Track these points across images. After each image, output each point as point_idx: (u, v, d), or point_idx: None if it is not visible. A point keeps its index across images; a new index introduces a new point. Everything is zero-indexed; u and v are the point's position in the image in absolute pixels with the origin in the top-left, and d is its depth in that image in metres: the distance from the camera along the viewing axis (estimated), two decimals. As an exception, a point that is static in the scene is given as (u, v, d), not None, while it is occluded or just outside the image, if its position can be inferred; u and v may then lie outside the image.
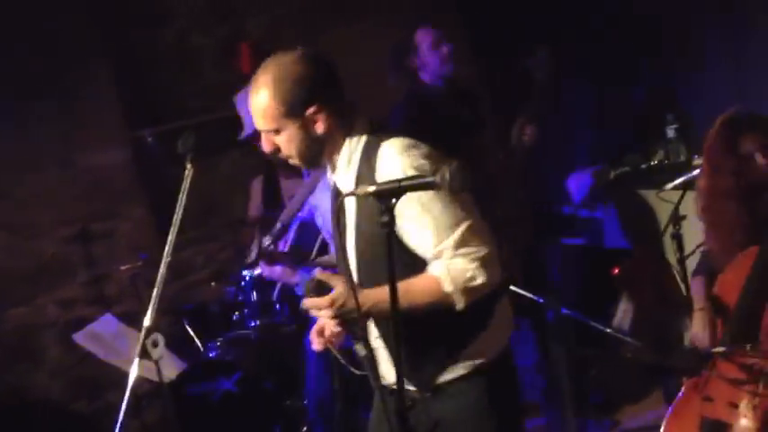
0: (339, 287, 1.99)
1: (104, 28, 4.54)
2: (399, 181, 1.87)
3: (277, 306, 3.78)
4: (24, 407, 4.27)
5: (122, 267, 4.14)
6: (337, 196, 2.18)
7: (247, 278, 3.95)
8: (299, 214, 3.36)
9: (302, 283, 3.17)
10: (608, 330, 2.70)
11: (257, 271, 3.32)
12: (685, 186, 3.67)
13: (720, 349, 2.68)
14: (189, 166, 2.33)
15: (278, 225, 3.33)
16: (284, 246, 3.40)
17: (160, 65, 4.78)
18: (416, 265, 2.06)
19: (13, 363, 4.34)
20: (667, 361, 3.27)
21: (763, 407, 2.56)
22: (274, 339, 3.76)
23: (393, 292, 1.82)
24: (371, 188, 1.87)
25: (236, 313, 3.97)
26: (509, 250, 3.52)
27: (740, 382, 2.62)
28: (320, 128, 2.09)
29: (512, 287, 2.59)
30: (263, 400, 3.70)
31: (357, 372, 2.23)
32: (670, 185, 3.76)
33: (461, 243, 2.00)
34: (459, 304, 2.02)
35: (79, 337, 3.25)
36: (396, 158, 2.03)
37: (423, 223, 2.01)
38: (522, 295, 2.80)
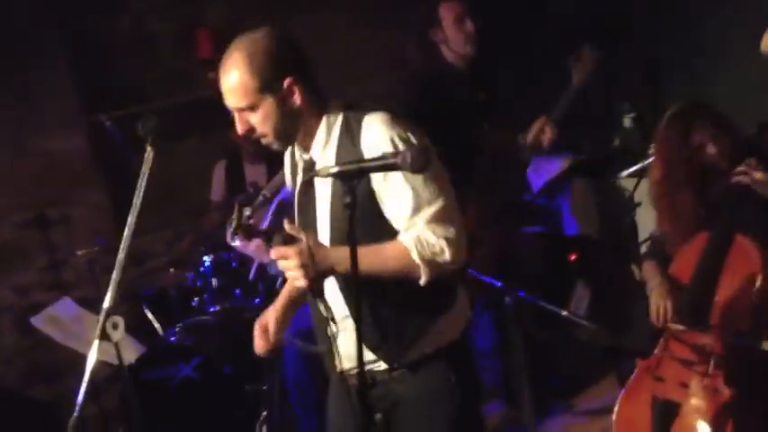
0: (307, 239, 1.98)
1: (61, 13, 4.48)
2: (360, 162, 1.91)
3: (260, 286, 3.77)
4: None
5: (79, 252, 4.11)
6: (304, 173, 2.18)
7: (206, 263, 3.95)
8: (282, 191, 3.33)
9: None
10: (564, 313, 2.73)
11: (236, 243, 3.29)
12: (640, 174, 3.76)
13: (678, 327, 2.75)
14: (149, 148, 2.31)
15: (260, 197, 3.31)
16: (262, 225, 3.37)
17: (117, 50, 4.74)
18: (386, 239, 2.08)
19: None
20: (621, 343, 3.34)
21: (712, 386, 2.63)
22: (234, 324, 3.76)
23: (354, 266, 1.85)
24: (334, 169, 1.89)
25: (196, 299, 3.97)
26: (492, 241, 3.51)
27: (690, 363, 2.70)
28: (297, 100, 2.08)
29: (470, 270, 2.61)
30: (223, 384, 3.69)
31: (317, 351, 2.25)
32: (625, 173, 3.84)
33: (434, 219, 2.03)
34: (424, 277, 2.03)
35: (37, 321, 3.20)
36: (380, 129, 2.04)
37: (403, 194, 2.03)
38: (481, 279, 2.83)
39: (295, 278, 2.01)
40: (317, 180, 2.14)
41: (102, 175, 4.56)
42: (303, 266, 1.95)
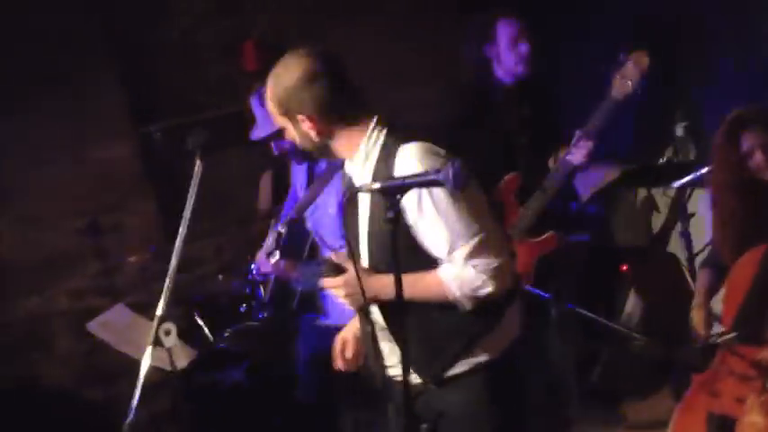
0: (352, 270, 2.09)
1: (111, 27, 4.59)
2: (404, 178, 1.93)
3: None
4: (36, 395, 4.31)
5: (131, 259, 4.18)
6: (348, 189, 2.23)
7: (254, 272, 3.98)
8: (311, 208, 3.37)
9: (302, 277, 3.30)
10: (615, 326, 2.69)
11: (274, 258, 3.35)
12: (693, 184, 3.68)
13: (729, 336, 2.70)
14: (198, 162, 2.36)
15: (291, 214, 3.35)
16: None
17: (165, 62, 4.82)
18: (430, 254, 2.10)
19: (24, 352, 4.39)
20: (675, 356, 3.28)
21: (770, 402, 2.57)
22: (281, 331, 3.78)
23: (398, 285, 1.91)
24: (377, 185, 1.93)
25: (244, 305, 4.00)
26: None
27: (747, 378, 2.63)
28: (313, 134, 2.17)
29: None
30: (271, 390, 3.72)
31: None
32: (677, 183, 3.77)
33: (473, 254, 2.04)
34: (467, 307, 2.09)
35: (92, 326, 3.27)
36: (413, 163, 2.05)
37: (437, 228, 2.05)
38: (530, 292, 2.80)
39: (344, 304, 2.17)
40: (359, 195, 2.19)
41: (152, 184, 4.65)
42: (350, 296, 2.11)
